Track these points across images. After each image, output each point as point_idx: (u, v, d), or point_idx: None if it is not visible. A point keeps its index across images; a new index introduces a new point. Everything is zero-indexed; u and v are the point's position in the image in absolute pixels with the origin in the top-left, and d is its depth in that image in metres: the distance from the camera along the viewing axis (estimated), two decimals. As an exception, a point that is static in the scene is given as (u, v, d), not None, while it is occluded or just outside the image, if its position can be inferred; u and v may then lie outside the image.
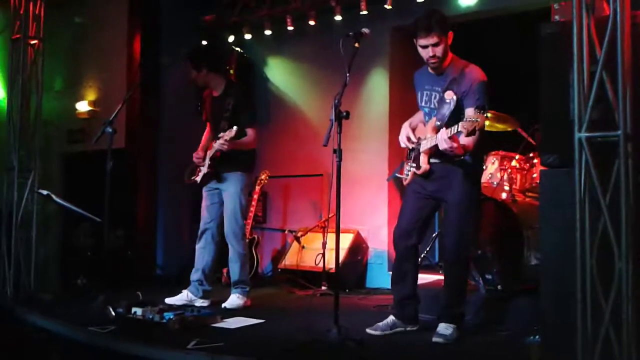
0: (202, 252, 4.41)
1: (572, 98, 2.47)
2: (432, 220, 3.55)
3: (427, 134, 3.41)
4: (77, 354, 3.46)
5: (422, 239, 3.56)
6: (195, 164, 4.45)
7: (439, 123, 3.32)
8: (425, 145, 3.41)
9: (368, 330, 3.47)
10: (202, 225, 4.45)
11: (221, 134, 4.16)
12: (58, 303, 4.42)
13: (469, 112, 3.23)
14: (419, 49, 3.38)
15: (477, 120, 2.96)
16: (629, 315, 2.25)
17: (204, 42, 6.26)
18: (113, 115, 4.21)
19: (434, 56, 3.33)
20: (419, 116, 3.65)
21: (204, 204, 4.48)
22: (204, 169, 4.37)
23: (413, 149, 3.52)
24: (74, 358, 3.49)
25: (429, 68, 3.48)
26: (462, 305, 3.45)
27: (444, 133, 3.18)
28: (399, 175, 3.66)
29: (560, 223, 2.58)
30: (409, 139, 3.55)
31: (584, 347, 2.34)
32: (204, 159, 4.38)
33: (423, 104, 3.54)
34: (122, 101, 4.51)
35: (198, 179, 4.44)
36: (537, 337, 3.07)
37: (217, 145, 4.19)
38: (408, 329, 3.50)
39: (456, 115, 3.26)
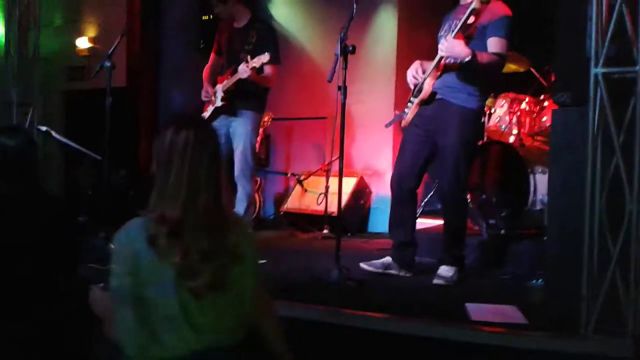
0: None
1: (589, 33, 2.36)
2: (431, 164, 3.48)
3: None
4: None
5: (420, 183, 3.51)
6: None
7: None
8: (430, 66, 3.32)
9: (361, 264, 3.45)
10: None
11: (247, 61, 3.96)
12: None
13: (492, 41, 3.16)
14: None
15: None
16: (638, 257, 2.20)
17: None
18: (112, 49, 4.09)
19: None
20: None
21: None
22: (218, 102, 4.21)
23: (418, 88, 3.42)
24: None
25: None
26: (462, 247, 3.43)
27: (446, 37, 3.10)
28: (398, 117, 3.57)
29: (570, 164, 2.51)
30: (417, 75, 3.43)
31: (589, 290, 2.30)
32: (214, 94, 4.24)
33: (442, 32, 3.41)
34: (120, 35, 4.38)
35: (207, 114, 4.29)
36: (539, 280, 3.06)
37: (240, 70, 3.98)
38: (401, 274, 3.46)
39: (477, 44, 3.18)
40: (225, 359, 1.64)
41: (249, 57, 3.98)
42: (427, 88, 3.33)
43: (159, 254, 1.57)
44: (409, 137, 3.47)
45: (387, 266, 3.48)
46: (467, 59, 3.13)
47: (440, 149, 3.34)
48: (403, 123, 3.51)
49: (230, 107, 4.20)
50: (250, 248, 1.73)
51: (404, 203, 3.48)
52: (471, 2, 3.13)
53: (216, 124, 4.30)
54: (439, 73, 3.32)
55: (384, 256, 3.55)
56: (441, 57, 3.26)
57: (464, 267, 3.40)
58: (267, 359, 1.79)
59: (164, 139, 1.63)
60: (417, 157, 3.43)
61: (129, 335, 1.58)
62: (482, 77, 3.30)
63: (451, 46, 3.14)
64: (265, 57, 3.90)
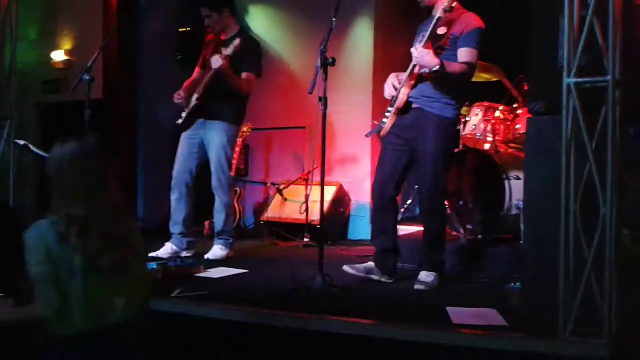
0: (179, 205, 4.30)
1: (561, 44, 2.45)
2: (410, 173, 3.56)
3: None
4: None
5: (400, 191, 3.57)
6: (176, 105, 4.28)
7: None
8: (404, 76, 3.40)
9: (345, 268, 3.49)
10: (175, 175, 4.30)
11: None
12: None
13: (463, 51, 3.25)
14: None
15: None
16: (612, 260, 2.28)
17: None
18: (91, 62, 4.07)
19: None
20: None
21: (180, 151, 4.32)
22: (192, 101, 4.19)
23: (395, 99, 3.49)
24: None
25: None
26: (442, 253, 3.49)
27: (416, 46, 3.18)
28: (377, 128, 3.63)
29: (545, 170, 2.59)
30: (394, 86, 3.51)
31: (566, 292, 2.38)
32: (187, 100, 4.23)
33: (416, 43, 3.49)
34: (99, 49, 4.37)
35: (181, 120, 4.28)
36: (517, 283, 3.14)
37: (214, 60, 3.99)
38: (383, 280, 3.52)
39: (449, 55, 3.28)
40: (120, 334, 1.99)
41: (222, 49, 4.00)
42: (402, 97, 3.41)
43: (67, 245, 1.93)
44: (388, 147, 3.54)
45: (369, 271, 3.53)
46: (435, 68, 3.22)
47: (420, 157, 3.41)
48: (382, 132, 3.57)
49: (204, 109, 4.19)
50: (139, 239, 2.14)
51: (385, 211, 3.54)
52: (456, 10, 3.24)
53: (189, 133, 4.32)
54: (413, 82, 3.40)
55: (364, 263, 3.60)
56: (414, 67, 3.34)
57: (444, 272, 3.46)
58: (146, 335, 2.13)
59: (58, 155, 2.02)
60: (397, 165, 3.49)
61: (50, 313, 1.94)
62: (457, 87, 3.40)
63: (421, 55, 3.24)
64: (236, 44, 3.93)
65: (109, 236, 1.98)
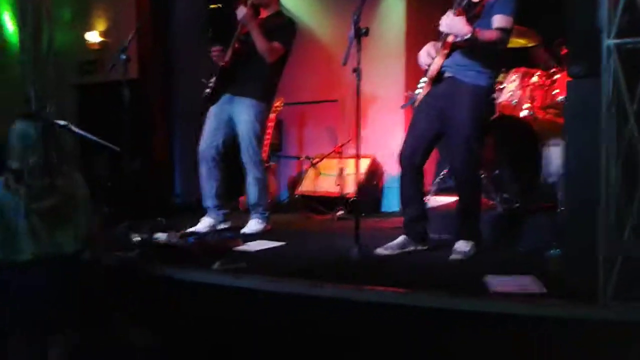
0: (208, 179, 4.31)
1: (600, 4, 2.38)
2: (439, 142, 3.55)
3: None
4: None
5: (427, 159, 3.55)
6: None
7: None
8: (437, 45, 3.36)
9: (378, 250, 3.47)
10: (201, 150, 4.30)
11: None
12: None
13: (497, 17, 3.21)
14: None
15: None
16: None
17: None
18: (127, 42, 4.14)
19: None
20: None
21: (207, 126, 4.32)
22: (228, 55, 4.18)
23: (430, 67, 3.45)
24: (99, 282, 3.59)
25: None
26: (478, 222, 3.47)
27: (447, 13, 3.13)
28: (412, 99, 3.60)
29: (585, 134, 2.54)
30: (430, 56, 3.46)
31: (605, 257, 2.35)
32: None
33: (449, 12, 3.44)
34: (133, 29, 4.43)
35: (208, 90, 4.30)
36: (556, 250, 3.11)
37: (239, 11, 3.99)
38: (418, 248, 3.53)
39: (484, 23, 3.22)
40: (60, 263, 2.58)
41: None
42: (435, 67, 3.37)
43: (12, 192, 2.53)
44: (419, 115, 3.51)
45: (402, 245, 3.52)
46: (467, 36, 3.17)
47: (452, 126, 3.38)
48: (416, 103, 3.55)
49: (232, 84, 4.20)
50: (84, 194, 2.72)
51: (413, 178, 3.52)
52: None
53: (217, 108, 4.31)
54: (446, 52, 3.35)
55: (399, 234, 3.60)
56: (447, 35, 3.30)
57: (480, 241, 3.45)
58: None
59: (11, 130, 2.63)
60: (426, 134, 3.47)
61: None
62: (491, 54, 3.34)
63: (451, 23, 3.18)
64: None
65: (46, 186, 2.57)
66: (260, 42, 4.09)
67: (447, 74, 3.39)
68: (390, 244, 3.53)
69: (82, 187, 2.76)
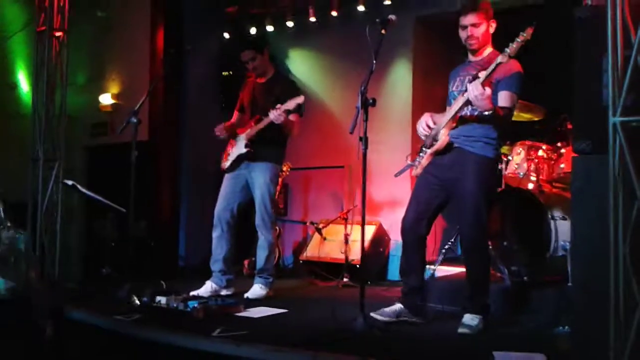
0: (219, 242, 4.37)
1: (605, 83, 2.42)
2: (440, 213, 3.55)
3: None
4: (102, 341, 3.49)
5: (430, 230, 3.53)
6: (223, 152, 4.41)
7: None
8: (447, 117, 3.39)
9: (373, 314, 3.40)
10: (217, 212, 4.38)
11: (278, 106, 4.09)
12: (82, 292, 4.46)
13: (504, 94, 3.25)
14: (460, 31, 3.43)
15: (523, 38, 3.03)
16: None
17: (226, 35, 6.29)
18: (138, 106, 4.23)
19: (471, 36, 3.39)
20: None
21: (223, 190, 4.42)
22: (242, 148, 4.32)
23: (431, 138, 3.48)
24: (99, 346, 3.51)
25: (468, 54, 3.49)
26: (486, 295, 3.41)
27: (476, 82, 3.14)
28: (407, 166, 3.61)
29: (592, 211, 2.53)
30: (428, 126, 3.50)
31: (617, 336, 2.29)
32: (229, 136, 4.38)
33: (454, 88, 3.51)
34: (145, 93, 4.53)
35: (227, 163, 4.41)
36: (565, 327, 3.04)
37: (273, 115, 4.10)
38: (414, 320, 3.46)
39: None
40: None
41: (278, 105, 4.10)
42: (444, 138, 3.40)
43: None
44: (423, 185, 3.52)
45: (398, 314, 3.46)
46: (486, 112, 3.21)
47: (460, 197, 3.38)
48: (414, 172, 3.56)
49: (253, 153, 4.31)
50: (27, 247, 3.26)
51: (415, 249, 3.50)
52: (495, 57, 3.17)
53: (233, 173, 4.41)
54: (454, 124, 3.40)
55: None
56: (459, 109, 3.33)
57: (488, 315, 3.38)
58: None
59: None
60: (430, 204, 3.47)
61: None
62: (496, 127, 3.38)
63: (480, 95, 3.14)
64: (300, 99, 4.06)
65: None
66: (289, 129, 4.29)
67: (453, 145, 3.42)
68: (386, 310, 3.47)
69: (27, 241, 3.29)
